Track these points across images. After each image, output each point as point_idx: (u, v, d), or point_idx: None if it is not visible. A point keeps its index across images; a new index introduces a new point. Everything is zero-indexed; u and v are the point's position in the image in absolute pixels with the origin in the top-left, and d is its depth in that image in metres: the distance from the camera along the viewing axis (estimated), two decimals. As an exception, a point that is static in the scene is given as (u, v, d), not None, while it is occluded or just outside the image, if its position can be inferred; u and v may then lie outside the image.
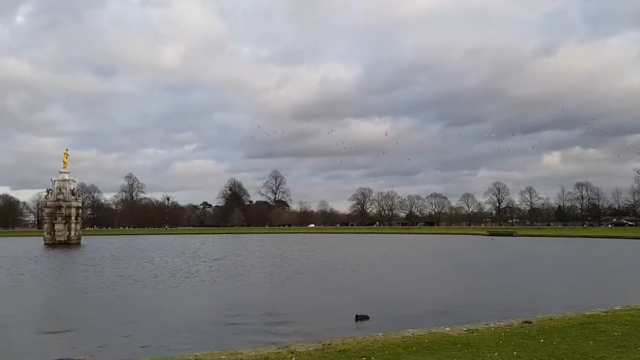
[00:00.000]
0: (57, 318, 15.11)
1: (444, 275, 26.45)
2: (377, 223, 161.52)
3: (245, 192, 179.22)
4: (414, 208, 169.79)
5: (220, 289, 20.75)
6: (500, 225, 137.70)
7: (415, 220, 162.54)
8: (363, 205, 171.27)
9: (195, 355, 7.84)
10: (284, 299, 17.95)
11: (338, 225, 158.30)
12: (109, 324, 13.85)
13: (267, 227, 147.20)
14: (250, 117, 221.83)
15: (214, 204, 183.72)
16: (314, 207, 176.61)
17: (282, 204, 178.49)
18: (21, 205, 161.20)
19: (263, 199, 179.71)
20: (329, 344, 8.56)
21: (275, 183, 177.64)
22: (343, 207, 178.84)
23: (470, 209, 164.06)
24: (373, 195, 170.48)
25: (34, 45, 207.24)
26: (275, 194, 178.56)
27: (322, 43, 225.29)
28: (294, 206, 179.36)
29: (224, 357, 7.75)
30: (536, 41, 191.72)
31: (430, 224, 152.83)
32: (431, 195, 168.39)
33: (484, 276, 25.32)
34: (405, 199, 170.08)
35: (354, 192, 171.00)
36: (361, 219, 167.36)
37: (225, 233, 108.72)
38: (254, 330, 12.71)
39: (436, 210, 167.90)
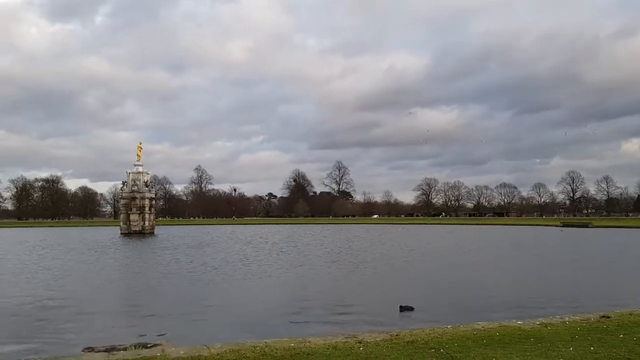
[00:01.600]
0: (133, 303, 15.85)
1: (511, 267, 25.61)
2: (443, 214, 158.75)
3: (309, 183, 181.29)
4: (481, 198, 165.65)
5: (287, 278, 21.09)
6: (574, 216, 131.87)
7: (483, 211, 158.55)
8: (428, 196, 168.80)
9: (266, 342, 8.00)
10: (350, 288, 17.99)
11: (402, 216, 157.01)
12: (182, 309, 14.40)
13: (330, 217, 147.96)
14: (314, 109, 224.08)
15: (278, 195, 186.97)
16: (378, 198, 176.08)
17: (346, 194, 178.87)
18: (99, 197, 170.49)
19: (327, 189, 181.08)
20: (396, 335, 8.51)
21: (339, 174, 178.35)
22: (408, 197, 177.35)
23: (542, 199, 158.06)
24: (439, 185, 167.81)
25: (111, 44, 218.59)
26: (339, 185, 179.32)
27: (387, 32, 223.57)
28: (358, 197, 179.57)
29: (292, 344, 7.86)
30: (614, 23, 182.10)
31: (499, 214, 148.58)
32: (500, 185, 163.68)
33: (556, 269, 24.30)
34: (472, 189, 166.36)
35: (419, 182, 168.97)
36: (426, 210, 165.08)
37: (290, 223, 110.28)
38: (320, 319, 12.83)
39: (505, 200, 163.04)
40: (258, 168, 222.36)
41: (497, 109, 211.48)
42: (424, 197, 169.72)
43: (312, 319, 12.95)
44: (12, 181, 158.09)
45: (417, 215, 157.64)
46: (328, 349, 7.66)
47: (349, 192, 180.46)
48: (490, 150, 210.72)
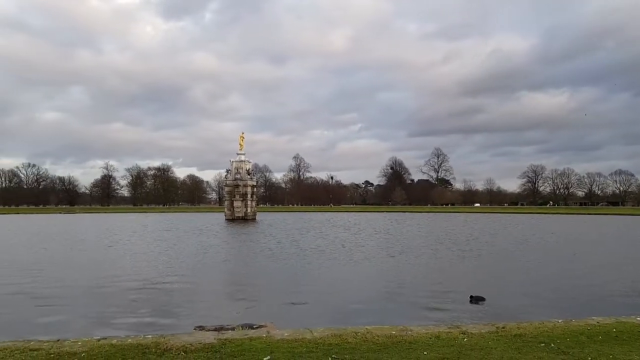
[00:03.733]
0: (238, 285, 16.54)
1: (627, 262, 23.63)
2: (551, 203, 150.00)
3: (406, 171, 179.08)
4: (594, 186, 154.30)
5: (385, 264, 21.00)
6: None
7: (596, 200, 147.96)
8: (535, 184, 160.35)
9: (367, 328, 8.01)
10: (449, 277, 17.55)
11: (506, 205, 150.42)
12: (284, 292, 14.80)
13: (429, 206, 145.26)
14: (414, 95, 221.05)
15: (375, 183, 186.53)
16: (479, 186, 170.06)
17: (445, 182, 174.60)
18: (205, 184, 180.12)
19: (425, 177, 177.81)
20: (502, 327, 8.17)
21: (438, 161, 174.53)
22: (511, 185, 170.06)
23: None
24: (546, 172, 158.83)
25: (218, 40, 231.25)
26: (438, 172, 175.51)
27: (492, 13, 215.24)
28: (458, 185, 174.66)
29: (394, 332, 7.81)
30: None
31: (614, 203, 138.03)
32: (615, 172, 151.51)
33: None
34: (583, 177, 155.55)
35: (524, 170, 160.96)
36: (532, 199, 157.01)
37: (387, 211, 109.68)
38: (422, 306, 12.63)
39: (621, 188, 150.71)
40: (355, 156, 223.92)
41: (613, 90, 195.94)
42: (529, 185, 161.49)
43: (408, 306, 12.79)
44: (128, 170, 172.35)
45: (522, 204, 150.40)
46: (430, 338, 7.53)
47: (448, 180, 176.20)
48: (604, 135, 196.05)
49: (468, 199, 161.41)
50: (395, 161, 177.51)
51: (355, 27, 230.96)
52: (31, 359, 6.54)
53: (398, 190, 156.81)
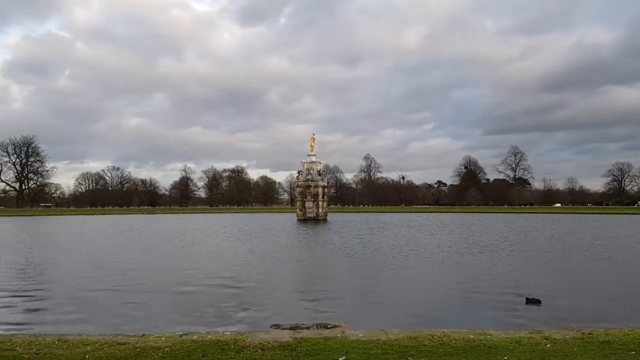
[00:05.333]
0: (312, 284, 16.66)
1: None
2: (639, 203, 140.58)
3: (481, 170, 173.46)
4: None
5: (461, 265, 20.50)
6: None
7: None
8: (621, 183, 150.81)
9: (443, 331, 7.85)
10: (529, 279, 16.84)
11: (589, 205, 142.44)
12: (357, 292, 14.81)
13: (505, 206, 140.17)
14: (490, 92, 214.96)
15: (448, 183, 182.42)
16: (560, 185, 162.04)
17: (523, 181, 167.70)
18: (277, 185, 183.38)
19: (501, 176, 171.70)
20: (589, 334, 7.76)
21: (515, 160, 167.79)
22: (595, 184, 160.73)
23: None
24: (634, 170, 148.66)
25: (292, 43, 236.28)
26: (515, 171, 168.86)
27: (574, 6, 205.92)
28: (536, 184, 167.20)
29: (472, 336, 7.60)
30: None
31: None
32: None
33: None
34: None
35: (609, 168, 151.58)
36: (618, 198, 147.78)
37: (461, 212, 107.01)
38: (498, 310, 12.21)
39: None
40: (428, 156, 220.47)
41: None
42: (615, 184, 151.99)
43: (481, 309, 12.40)
44: (205, 172, 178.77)
45: (607, 204, 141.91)
46: (511, 343, 7.27)
47: (526, 179, 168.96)
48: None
49: (548, 199, 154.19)
50: (469, 160, 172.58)
51: (431, 24, 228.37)
52: (119, 352, 6.90)
53: (472, 190, 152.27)
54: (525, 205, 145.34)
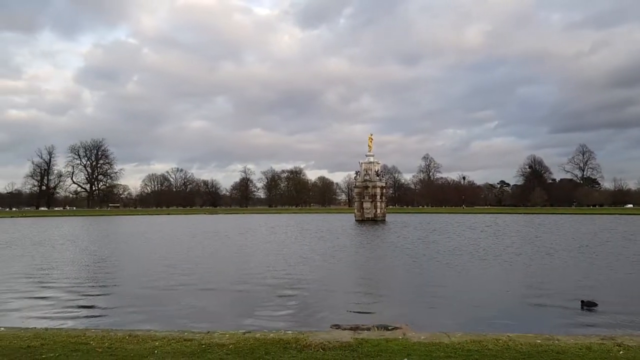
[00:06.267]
0: (373, 284, 16.62)
1: None
2: None
3: (546, 170, 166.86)
4: None
5: (528, 267, 19.86)
6: None
7: None
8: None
9: (508, 335, 7.63)
10: (594, 283, 16.08)
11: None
12: (418, 293, 14.68)
13: (573, 207, 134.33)
14: (557, 89, 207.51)
15: (511, 183, 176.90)
16: (632, 185, 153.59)
17: (591, 181, 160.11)
18: (335, 186, 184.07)
19: (568, 176, 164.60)
20: (667, 341, 7.33)
21: (583, 158, 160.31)
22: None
23: None
24: None
25: (351, 44, 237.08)
26: (583, 171, 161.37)
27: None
28: (606, 184, 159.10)
29: (539, 341, 7.35)
30: None
31: None
32: None
33: None
34: None
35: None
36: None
37: (525, 213, 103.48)
38: (564, 315, 11.74)
39: None
40: (490, 155, 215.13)
41: None
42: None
43: (546, 313, 11.96)
44: (264, 173, 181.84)
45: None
46: (581, 349, 6.98)
47: (594, 179, 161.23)
48: None
49: (619, 199, 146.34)
50: (534, 159, 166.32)
51: (494, 21, 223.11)
52: (185, 348, 7.14)
53: (537, 191, 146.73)
54: (594, 206, 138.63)
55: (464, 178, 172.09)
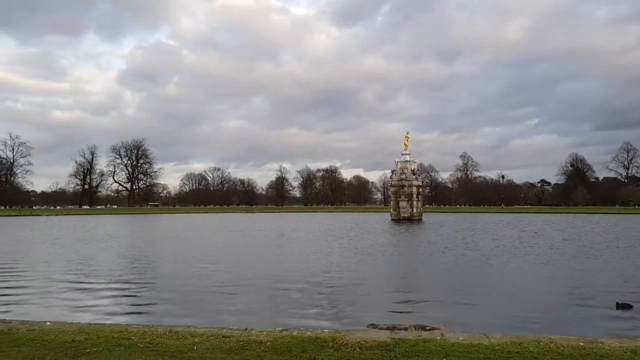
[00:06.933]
0: (410, 284, 16.50)
1: None
2: None
3: (589, 168, 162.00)
4: None
5: (569, 269, 19.36)
6: None
7: None
8: None
9: (550, 337, 7.45)
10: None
11: None
12: (459, 293, 14.47)
13: (617, 206, 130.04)
14: (601, 85, 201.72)
15: (552, 182, 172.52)
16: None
17: (636, 180, 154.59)
18: (370, 185, 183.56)
19: (612, 174, 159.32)
20: None
21: (628, 156, 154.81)
22: None
23: None
24: None
25: (388, 42, 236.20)
26: (628, 169, 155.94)
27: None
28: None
29: (582, 343, 7.15)
30: None
31: None
32: None
33: None
34: None
35: None
36: None
37: (567, 212, 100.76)
38: (606, 317, 11.40)
39: None
40: (530, 153, 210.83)
41: None
42: None
43: (592, 316, 11.62)
44: (299, 172, 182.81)
45: None
46: (626, 352, 6.76)
47: (639, 178, 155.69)
48: None
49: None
50: (576, 157, 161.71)
51: (535, 16, 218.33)
52: (224, 345, 7.24)
53: (580, 190, 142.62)
54: (639, 205, 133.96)
55: (502, 177, 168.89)
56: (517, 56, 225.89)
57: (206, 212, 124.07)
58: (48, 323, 8.93)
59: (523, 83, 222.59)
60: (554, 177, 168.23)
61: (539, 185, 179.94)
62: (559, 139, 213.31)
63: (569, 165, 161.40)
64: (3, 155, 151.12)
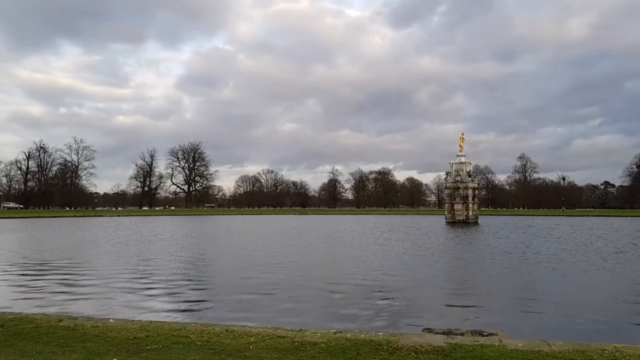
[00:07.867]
0: (466, 288, 16.11)
1: None
2: None
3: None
4: None
5: (637, 274, 18.44)
6: None
7: None
8: None
9: (615, 346, 7.11)
10: None
11: None
12: (519, 299, 14.05)
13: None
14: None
15: (617, 184, 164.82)
16: None
17: None
18: (424, 187, 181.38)
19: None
20: None
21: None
22: None
23: None
24: None
25: (444, 42, 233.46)
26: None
27: None
28: None
29: (651, 354, 6.79)
30: None
31: None
32: None
33: None
34: None
35: None
36: None
37: (633, 216, 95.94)
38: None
39: None
40: (593, 154, 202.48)
41: None
42: None
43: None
44: (351, 174, 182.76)
45: None
46: (700, 365, 6.37)
47: None
48: None
49: None
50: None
51: (599, 12, 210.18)
52: (279, 345, 7.32)
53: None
54: None
55: (563, 179, 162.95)
56: (581, 54, 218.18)
57: (260, 214, 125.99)
58: (111, 320, 9.31)
59: (586, 81, 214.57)
60: (619, 178, 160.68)
61: (602, 187, 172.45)
62: (625, 139, 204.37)
63: (635, 166, 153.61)
64: (68, 159, 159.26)
